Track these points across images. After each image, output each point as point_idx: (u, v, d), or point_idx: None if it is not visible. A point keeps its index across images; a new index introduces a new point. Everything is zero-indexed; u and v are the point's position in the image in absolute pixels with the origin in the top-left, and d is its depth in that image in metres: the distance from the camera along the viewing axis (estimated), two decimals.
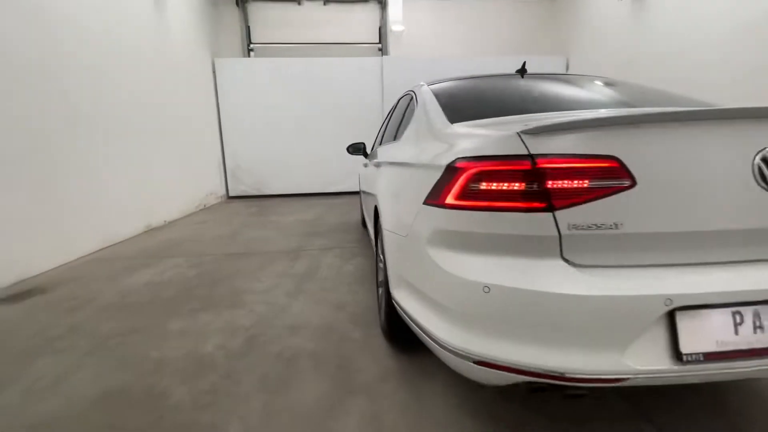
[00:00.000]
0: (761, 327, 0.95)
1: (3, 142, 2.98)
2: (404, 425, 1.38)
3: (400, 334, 1.70)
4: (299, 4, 8.06)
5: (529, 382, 1.02)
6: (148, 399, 1.56)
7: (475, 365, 1.06)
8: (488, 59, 8.10)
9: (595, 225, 0.95)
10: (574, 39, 7.95)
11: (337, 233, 4.47)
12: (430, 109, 1.73)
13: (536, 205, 0.97)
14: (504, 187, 1.00)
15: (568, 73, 2.29)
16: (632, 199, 0.94)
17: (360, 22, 8.32)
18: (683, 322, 0.93)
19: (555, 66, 8.16)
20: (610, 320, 0.93)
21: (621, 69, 6.55)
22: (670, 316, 0.94)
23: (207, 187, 7.04)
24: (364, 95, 7.79)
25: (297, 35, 8.18)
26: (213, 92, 7.52)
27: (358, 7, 8.23)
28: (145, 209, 4.93)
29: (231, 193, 7.98)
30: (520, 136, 1.00)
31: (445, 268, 1.10)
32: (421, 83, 2.16)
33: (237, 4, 7.83)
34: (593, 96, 1.81)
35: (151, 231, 4.89)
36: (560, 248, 0.98)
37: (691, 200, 0.95)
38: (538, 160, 0.97)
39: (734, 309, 0.95)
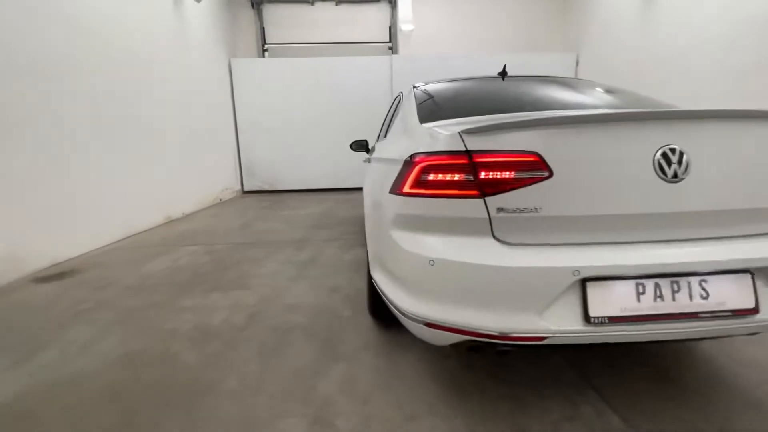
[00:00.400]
0: (661, 296, 1.12)
1: (40, 142, 3.32)
2: (376, 385, 1.60)
3: (381, 310, 1.91)
4: (311, 4, 8.30)
5: (468, 341, 1.22)
6: (162, 359, 1.83)
7: (426, 327, 1.27)
8: (497, 56, 8.16)
9: (519, 209, 1.14)
10: (583, 36, 7.94)
11: (342, 226, 4.70)
12: (409, 109, 1.94)
13: (471, 192, 1.17)
14: (447, 178, 1.20)
15: (549, 75, 2.41)
16: (549, 188, 1.13)
17: (371, 22, 8.50)
18: (593, 290, 1.12)
19: (565, 62, 8.19)
20: (529, 288, 1.12)
21: (628, 66, 6.56)
22: (582, 286, 1.12)
23: (223, 182, 7.40)
24: (374, 93, 7.98)
25: (310, 35, 8.43)
26: (229, 91, 7.86)
27: (368, 7, 8.42)
28: (165, 203, 5.28)
29: (246, 188, 8.32)
30: (460, 135, 1.19)
31: (402, 246, 1.31)
32: (411, 85, 2.36)
33: (252, 6, 8.13)
34: (557, 98, 1.97)
35: (170, 223, 5.23)
36: (491, 228, 1.17)
37: (600, 189, 1.13)
38: (473, 155, 1.17)
39: (637, 281, 1.13)
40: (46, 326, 2.19)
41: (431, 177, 1.23)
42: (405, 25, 7.83)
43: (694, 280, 1.13)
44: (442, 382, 1.61)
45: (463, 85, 2.21)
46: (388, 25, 8.53)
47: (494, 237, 1.18)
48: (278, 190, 8.29)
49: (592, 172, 1.13)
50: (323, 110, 8.08)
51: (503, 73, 2.33)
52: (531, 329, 1.13)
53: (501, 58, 8.08)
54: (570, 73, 8.21)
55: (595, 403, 1.45)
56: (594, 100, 1.91)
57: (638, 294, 1.12)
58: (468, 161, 1.17)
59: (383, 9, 8.45)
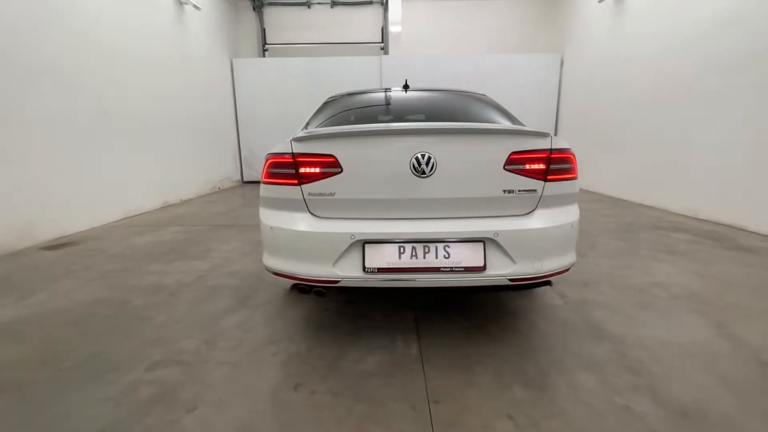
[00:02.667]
0: (416, 255, 1.64)
1: (54, 137, 4.04)
2: (261, 324, 2.17)
3: None
4: (309, 7, 8.86)
5: (296, 284, 1.77)
6: (119, 303, 2.46)
7: (273, 275, 1.82)
8: (483, 57, 8.54)
9: (321, 193, 1.67)
10: (568, 37, 8.18)
11: None
12: (309, 116, 2.48)
13: (293, 182, 1.70)
14: (281, 172, 1.74)
15: (445, 88, 2.83)
16: (341, 180, 1.65)
17: (364, 24, 8.99)
18: (369, 250, 1.65)
19: (550, 63, 8.45)
20: (326, 246, 1.65)
21: (605, 66, 6.82)
22: (363, 246, 1.65)
23: (222, 172, 8.12)
24: None
25: (307, 36, 9.00)
26: (231, 88, 8.55)
27: (362, 9, 8.90)
28: (164, 189, 6.01)
29: (245, 179, 9.04)
30: (291, 142, 1.73)
31: (261, 219, 1.86)
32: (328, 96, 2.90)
33: (254, 9, 8.76)
34: (418, 109, 2.48)
35: (167, 207, 5.96)
36: (306, 206, 1.71)
37: (374, 181, 1.65)
38: (296, 156, 1.70)
39: (399, 244, 1.64)
40: (43, 280, 2.87)
41: (274, 170, 1.77)
42: (394, 27, 8.28)
43: (440, 246, 1.64)
44: (309, 323, 2.17)
45: (361, 98, 2.73)
46: (380, 26, 8.99)
47: (309, 212, 1.72)
48: None
49: (369, 169, 1.65)
50: (317, 106, 8.62)
51: (405, 86, 2.82)
52: (328, 275, 1.66)
53: (487, 59, 8.44)
54: (555, 73, 8.47)
55: (409, 340, 1.97)
56: (444, 112, 2.41)
57: (400, 253, 1.64)
58: (292, 160, 1.71)
59: (376, 11, 8.91)
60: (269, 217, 1.80)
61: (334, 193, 1.67)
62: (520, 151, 1.66)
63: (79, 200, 4.37)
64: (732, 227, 4.26)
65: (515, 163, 1.66)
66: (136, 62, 5.35)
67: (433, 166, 1.62)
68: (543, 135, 1.71)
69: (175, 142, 6.33)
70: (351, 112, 2.53)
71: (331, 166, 1.66)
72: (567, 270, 1.80)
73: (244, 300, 2.50)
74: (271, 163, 1.78)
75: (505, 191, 1.66)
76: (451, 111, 2.45)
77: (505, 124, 2.20)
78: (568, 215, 1.78)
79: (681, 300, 2.41)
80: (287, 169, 1.72)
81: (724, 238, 3.83)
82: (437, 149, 1.63)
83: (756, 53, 4.05)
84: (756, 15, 4.06)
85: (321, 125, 2.26)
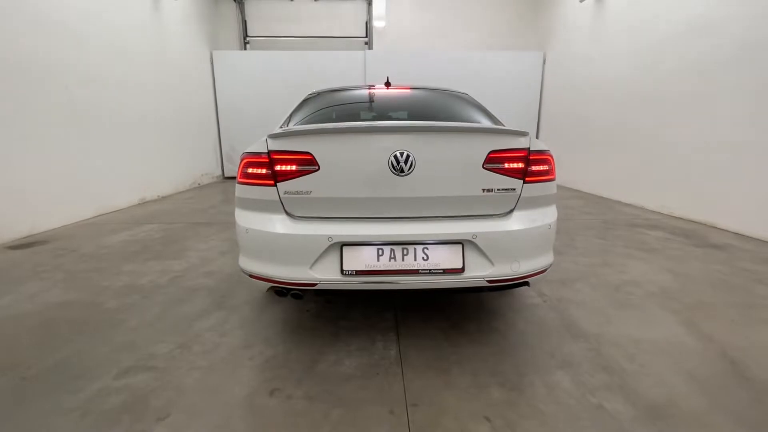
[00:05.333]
0: (394, 258, 1.62)
1: (20, 131, 3.85)
2: (237, 326, 2.12)
3: None
4: (291, 0, 8.68)
5: (273, 287, 1.73)
6: (90, 306, 2.37)
7: (249, 277, 1.78)
8: (466, 53, 8.56)
9: (298, 192, 1.63)
10: (550, 36, 8.26)
11: None
12: (288, 113, 2.43)
13: (269, 182, 1.66)
14: (256, 171, 1.69)
15: (425, 86, 2.83)
16: (318, 178, 1.62)
17: (348, 18, 8.87)
18: (347, 252, 1.62)
19: (533, 61, 8.52)
20: (302, 248, 1.62)
21: (584, 67, 6.91)
22: (341, 248, 1.62)
23: (202, 168, 7.92)
24: None
25: (289, 29, 8.82)
26: (211, 82, 8.33)
27: (345, 3, 8.77)
28: (141, 185, 5.82)
29: (226, 174, 8.85)
30: (266, 140, 1.68)
31: (237, 220, 1.81)
32: (309, 92, 2.85)
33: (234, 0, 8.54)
34: (398, 107, 2.46)
35: (144, 203, 5.78)
36: (282, 206, 1.67)
37: (352, 179, 1.62)
38: (272, 154, 1.66)
39: (378, 246, 1.62)
40: (8, 281, 2.74)
41: (249, 170, 1.72)
42: (377, 21, 8.20)
43: (419, 247, 1.63)
44: (287, 325, 2.13)
45: (341, 95, 2.69)
46: (364, 21, 8.89)
47: (286, 213, 1.68)
48: None
49: (347, 167, 1.62)
50: (300, 101, 8.50)
51: (387, 83, 2.79)
52: (305, 278, 1.63)
53: (470, 55, 8.44)
54: (537, 71, 8.55)
55: (389, 342, 1.96)
56: (425, 110, 2.40)
57: (378, 255, 1.62)
58: (268, 159, 1.66)
59: (359, 5, 8.80)
60: (245, 219, 1.75)
61: (311, 192, 1.63)
62: (499, 149, 1.66)
63: (49, 196, 4.18)
64: (704, 225, 4.40)
65: (494, 161, 1.65)
66: (109, 53, 5.14)
67: (411, 164, 1.60)
68: (522, 134, 1.71)
69: (153, 136, 6.13)
70: (331, 108, 2.49)
71: (307, 164, 1.63)
72: (544, 271, 1.82)
73: (221, 301, 2.44)
74: (246, 162, 1.73)
75: (484, 190, 1.66)
76: (432, 109, 2.44)
77: (485, 123, 2.20)
78: (545, 217, 1.79)
79: (654, 298, 2.47)
80: (263, 169, 1.67)
81: (695, 236, 3.95)
82: (416, 147, 1.61)
83: (728, 56, 4.17)
84: (727, 20, 4.18)
85: (300, 122, 2.21)
